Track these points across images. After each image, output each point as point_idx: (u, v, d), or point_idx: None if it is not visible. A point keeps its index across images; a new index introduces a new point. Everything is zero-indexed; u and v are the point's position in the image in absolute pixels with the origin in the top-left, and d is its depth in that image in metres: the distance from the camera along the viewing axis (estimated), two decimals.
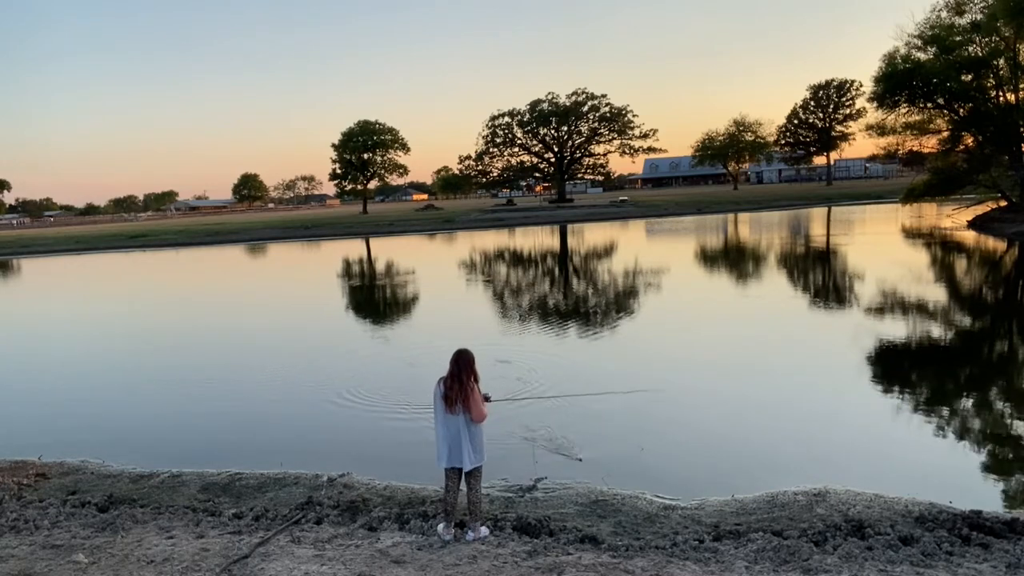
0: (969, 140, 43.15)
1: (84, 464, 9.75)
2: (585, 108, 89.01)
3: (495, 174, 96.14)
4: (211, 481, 8.74)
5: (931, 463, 8.69)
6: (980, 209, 42.39)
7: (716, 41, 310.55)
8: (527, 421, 10.34)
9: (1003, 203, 40.55)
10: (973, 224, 40.61)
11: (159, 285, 36.36)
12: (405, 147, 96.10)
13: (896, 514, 6.83)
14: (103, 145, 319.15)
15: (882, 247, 34.95)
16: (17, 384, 15.86)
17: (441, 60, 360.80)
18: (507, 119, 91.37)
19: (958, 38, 39.86)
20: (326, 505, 7.72)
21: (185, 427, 11.61)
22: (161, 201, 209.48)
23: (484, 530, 6.72)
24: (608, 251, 41.83)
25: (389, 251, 49.37)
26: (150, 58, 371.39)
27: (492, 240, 53.44)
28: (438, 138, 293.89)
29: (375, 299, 26.62)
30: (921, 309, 18.47)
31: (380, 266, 39.24)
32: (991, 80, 40.36)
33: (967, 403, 11.24)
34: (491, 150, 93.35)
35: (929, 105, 41.94)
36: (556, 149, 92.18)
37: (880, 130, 44.52)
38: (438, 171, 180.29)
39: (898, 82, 40.53)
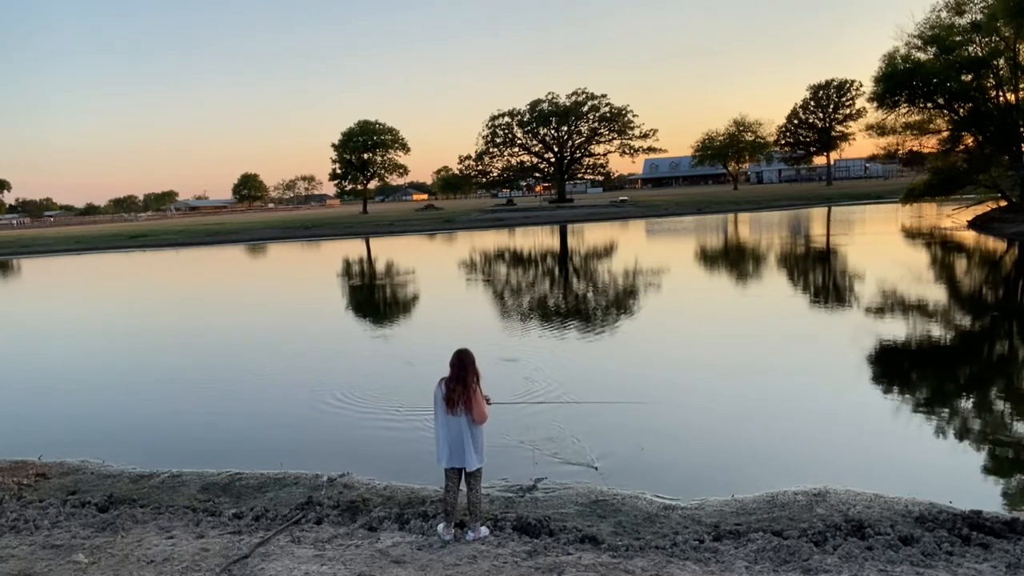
0: (969, 140, 43.15)
1: (84, 464, 9.75)
2: (585, 108, 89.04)
3: (495, 174, 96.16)
4: (211, 481, 8.74)
5: (931, 463, 8.69)
6: (980, 209, 42.39)
7: (716, 41, 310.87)
8: (527, 422, 10.34)
9: (1003, 203, 40.55)
10: (973, 224, 40.61)
11: (159, 285, 36.37)
12: (405, 147, 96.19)
13: (896, 514, 6.83)
14: (103, 145, 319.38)
15: (882, 247, 34.94)
16: (17, 384, 15.86)
17: (441, 60, 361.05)
18: (507, 119, 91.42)
19: (958, 38, 39.86)
20: (326, 505, 7.72)
21: (185, 427, 11.61)
22: (161, 201, 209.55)
23: (484, 530, 6.72)
24: (609, 251, 41.83)
25: (389, 251, 49.39)
26: (150, 58, 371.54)
27: (492, 240, 53.44)
28: (438, 138, 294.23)
29: (375, 299, 26.62)
30: (921, 309, 18.47)
31: (380, 266, 39.25)
32: (991, 80, 40.37)
33: (967, 403, 11.24)
34: (491, 150, 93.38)
35: (929, 105, 41.95)
36: (556, 149, 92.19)
37: (880, 130, 44.57)
38: (438, 171, 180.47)
39: (898, 82, 40.54)
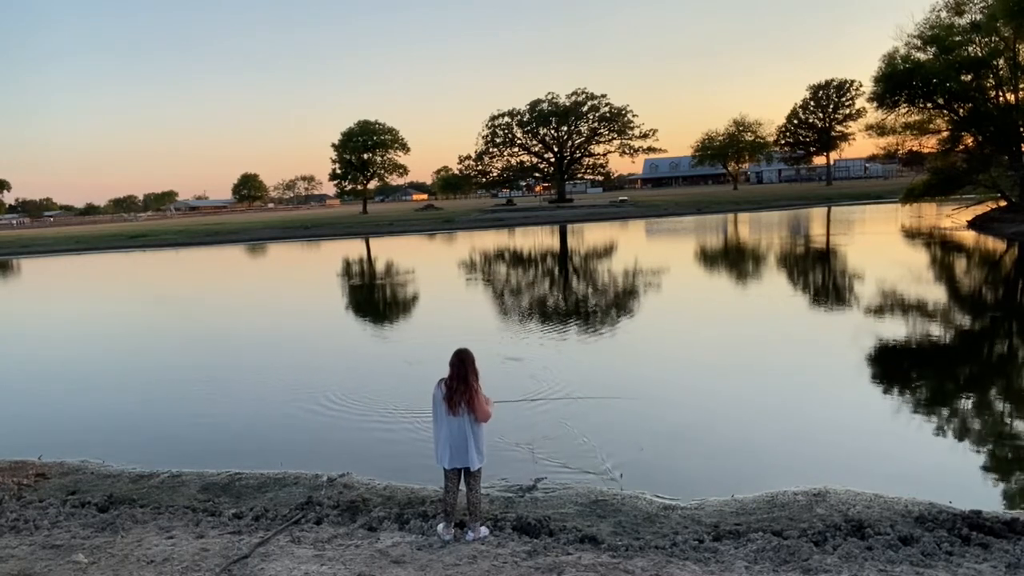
0: (969, 140, 43.16)
1: (84, 464, 9.75)
2: (585, 108, 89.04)
3: (495, 174, 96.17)
4: (211, 481, 8.74)
5: (931, 463, 8.69)
6: (980, 209, 42.39)
7: (716, 41, 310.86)
8: (527, 421, 10.34)
9: (1003, 203, 40.55)
10: (973, 224, 40.61)
11: (159, 285, 36.36)
12: (405, 147, 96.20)
13: (896, 514, 6.83)
14: (103, 145, 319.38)
15: (882, 247, 34.94)
16: (17, 384, 15.86)
17: (441, 60, 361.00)
18: (507, 119, 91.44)
19: (958, 38, 39.87)
20: (326, 505, 7.72)
21: (185, 427, 11.61)
22: (161, 201, 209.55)
23: (484, 530, 6.72)
24: (609, 251, 41.83)
25: (389, 251, 49.40)
26: (150, 58, 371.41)
27: (492, 240, 53.45)
28: (438, 138, 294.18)
29: (375, 299, 26.63)
30: (921, 309, 18.47)
31: (380, 266, 39.26)
32: (991, 80, 40.39)
33: (967, 403, 11.24)
34: (491, 150, 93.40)
35: (929, 105, 41.97)
36: (556, 149, 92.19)
37: (880, 130, 44.60)
38: (438, 171, 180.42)
39: (898, 82, 40.56)
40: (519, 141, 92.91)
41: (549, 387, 12.12)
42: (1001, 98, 40.41)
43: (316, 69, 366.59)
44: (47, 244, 68.69)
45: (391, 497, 7.91)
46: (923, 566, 5.72)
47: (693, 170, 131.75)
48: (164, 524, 7.37)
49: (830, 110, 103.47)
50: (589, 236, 52.83)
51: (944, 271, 26.60)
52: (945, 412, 10.70)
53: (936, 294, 21.16)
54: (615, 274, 29.49)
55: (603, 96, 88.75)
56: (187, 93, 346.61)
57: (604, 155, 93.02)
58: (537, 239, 53.36)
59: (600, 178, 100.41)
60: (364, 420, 11.16)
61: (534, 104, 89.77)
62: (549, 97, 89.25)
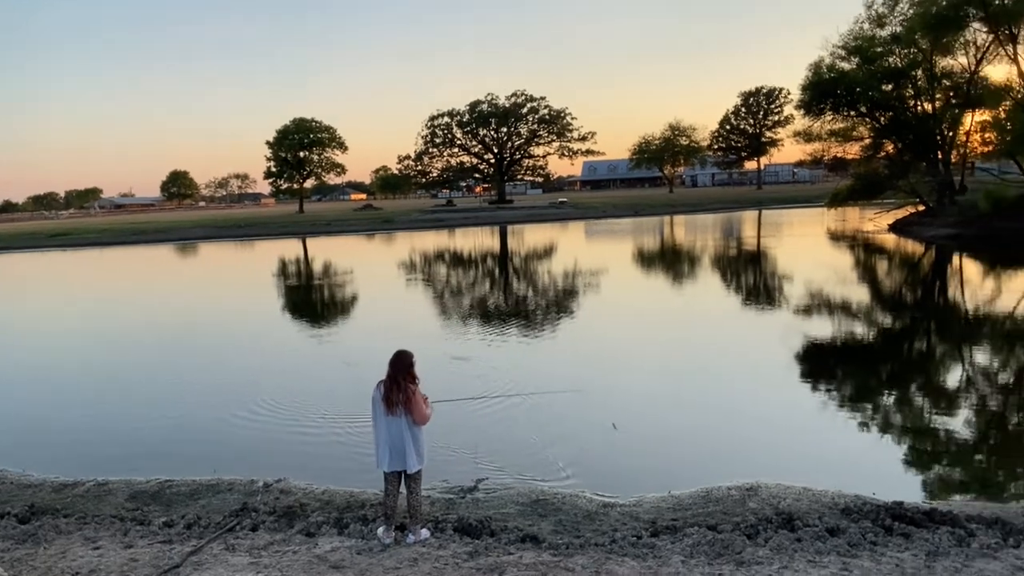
0: (890, 147, 45.29)
1: (3, 473, 9.25)
2: (524, 110, 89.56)
3: (435, 174, 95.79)
4: (140, 489, 8.43)
5: (856, 456, 9.07)
6: (900, 213, 44.50)
7: (652, 46, 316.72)
8: (470, 421, 10.33)
9: (921, 208, 42.67)
10: (893, 228, 42.57)
11: (81, 285, 34.81)
12: (342, 146, 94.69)
13: (824, 506, 7.10)
14: (21, 139, 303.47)
15: (810, 249, 36.30)
16: None
17: (380, 58, 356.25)
18: (447, 119, 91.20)
19: (879, 49, 41.78)
20: (262, 511, 7.54)
21: (110, 434, 11.15)
22: (84, 198, 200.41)
23: (425, 532, 6.68)
24: (549, 252, 42.16)
25: (327, 251, 48.57)
26: (71, 50, 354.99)
27: (433, 241, 53.19)
28: (377, 137, 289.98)
29: (312, 299, 26.14)
30: (845, 309, 19.27)
31: (318, 266, 38.58)
32: (910, 90, 42.47)
33: (889, 399, 11.78)
34: (431, 150, 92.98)
35: (852, 113, 43.83)
36: (496, 150, 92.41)
37: (807, 136, 46.35)
38: (377, 171, 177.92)
39: (823, 91, 42.22)
40: (459, 141, 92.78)
41: (493, 387, 12.13)
42: (919, 107, 42.53)
43: (250, 64, 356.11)
44: None
45: (330, 501, 7.78)
46: (849, 556, 5.96)
47: (630, 173, 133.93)
48: (90, 534, 7.07)
49: (760, 116, 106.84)
50: (530, 237, 53.13)
51: (867, 273, 27.81)
52: (869, 407, 11.18)
53: (860, 295, 22.11)
54: (556, 275, 29.74)
55: (542, 98, 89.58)
56: (113, 87, 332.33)
57: (544, 157, 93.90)
58: (478, 240, 53.37)
59: (540, 180, 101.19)
60: (301, 423, 10.95)
61: (474, 105, 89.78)
62: (489, 98, 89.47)
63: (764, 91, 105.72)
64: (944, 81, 41.43)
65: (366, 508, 7.47)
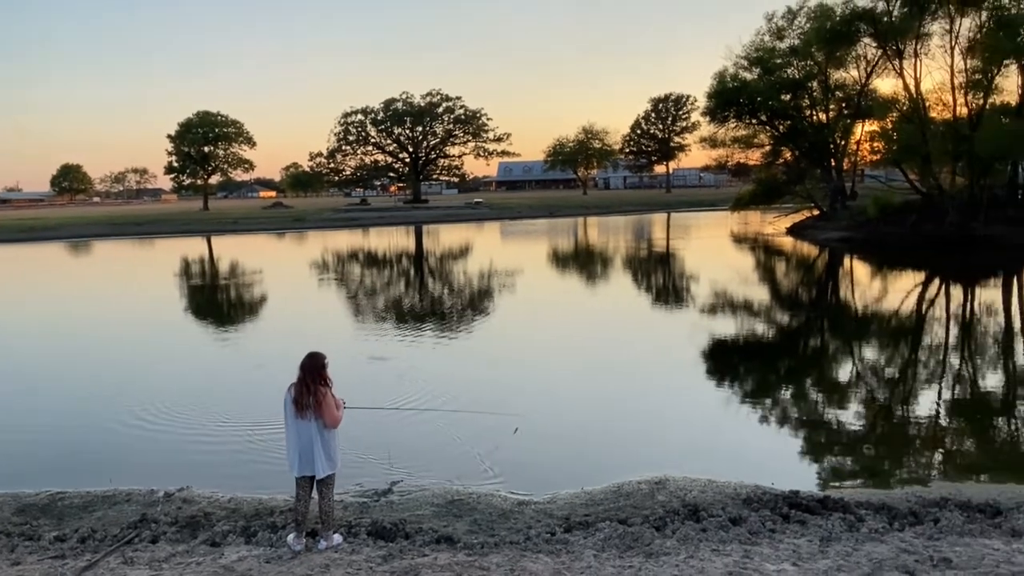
0: (788, 154, 47.68)
1: None
2: (440, 109, 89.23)
3: (348, 172, 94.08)
4: (28, 503, 7.89)
5: (757, 449, 9.52)
6: (797, 217, 46.91)
7: (567, 49, 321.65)
8: (386, 424, 10.19)
9: (816, 212, 45.14)
10: (791, 231, 44.84)
11: None
12: (250, 141, 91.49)
13: (727, 497, 7.41)
14: None
15: (715, 251, 37.79)
16: None
17: (290, 50, 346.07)
18: (360, 117, 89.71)
19: (779, 61, 43.93)
20: (163, 522, 7.20)
21: None
22: None
23: (337, 538, 6.55)
24: (464, 253, 42.14)
25: (234, 250, 46.84)
26: None
27: (346, 240, 52.20)
28: (287, 133, 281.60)
29: (217, 300, 25.17)
30: (746, 308, 20.17)
31: (224, 266, 37.15)
32: (806, 100, 44.84)
33: (786, 393, 12.42)
34: (344, 148, 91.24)
35: (754, 121, 45.87)
36: (411, 149, 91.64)
37: (712, 142, 48.13)
38: (287, 168, 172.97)
39: (727, 99, 43.99)
40: (373, 140, 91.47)
41: (412, 388, 12.02)
42: (815, 117, 44.96)
43: (149, 51, 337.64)
44: None
45: (236, 509, 7.52)
46: (750, 544, 6.25)
47: (545, 174, 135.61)
48: None
49: (669, 122, 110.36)
50: (445, 237, 52.96)
51: (767, 274, 29.22)
52: (767, 402, 11.77)
53: (760, 295, 23.19)
54: (471, 275, 29.77)
55: (458, 98, 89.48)
56: None
57: (459, 157, 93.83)
58: (393, 240, 52.77)
59: (455, 180, 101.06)
60: (206, 429, 10.52)
61: (388, 103, 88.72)
62: (404, 97, 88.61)
63: (673, 97, 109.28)
64: (837, 93, 43.98)
65: (275, 515, 7.26)
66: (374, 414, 9.58)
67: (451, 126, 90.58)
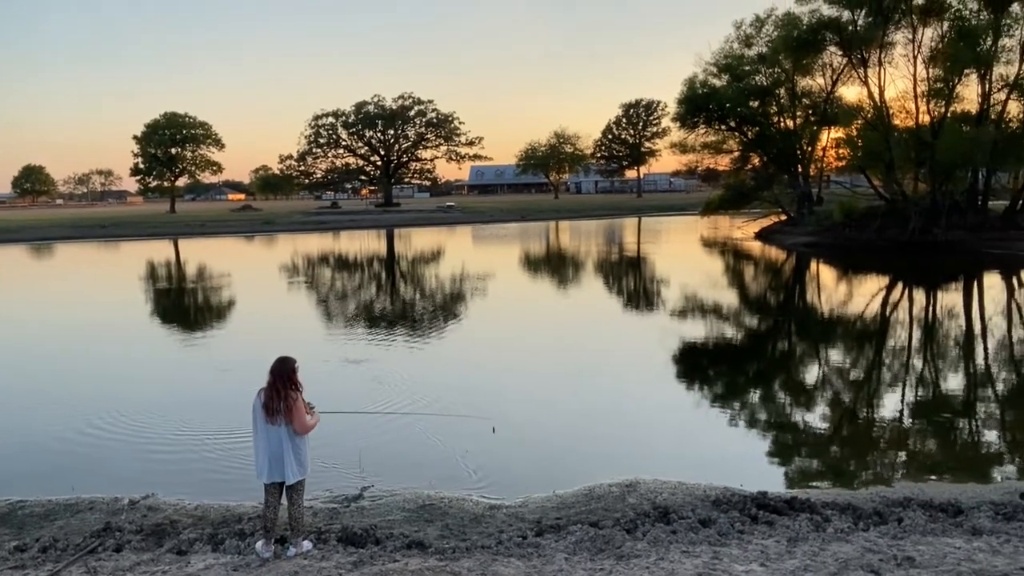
0: (756, 160, 48.39)
1: None
2: (412, 113, 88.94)
3: (319, 175, 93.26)
4: None
5: (726, 450, 9.63)
6: (765, 222, 47.62)
7: (539, 54, 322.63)
8: (355, 429, 10.11)
9: (783, 217, 45.85)
10: (759, 235, 45.48)
11: None
12: (219, 143, 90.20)
13: (696, 499, 7.48)
14: None
15: (685, 256, 38.17)
16: None
17: (260, 53, 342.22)
18: (331, 119, 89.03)
19: (747, 68, 44.58)
20: (127, 530, 7.06)
21: None
22: None
23: (307, 544, 6.48)
24: (436, 256, 42.01)
25: (201, 253, 46.11)
26: None
27: (316, 243, 51.72)
28: (257, 135, 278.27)
29: (185, 304, 24.76)
30: (716, 312, 20.40)
31: (191, 269, 36.56)
32: (774, 107, 45.54)
33: (754, 395, 12.59)
34: (314, 150, 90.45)
35: (723, 127, 46.47)
36: (382, 152, 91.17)
37: (682, 148, 48.63)
38: (256, 170, 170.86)
39: (697, 105, 44.51)
40: (344, 142, 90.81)
41: (383, 393, 11.94)
42: (783, 123, 45.69)
43: (114, 50, 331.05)
44: None
45: (203, 517, 7.40)
46: (719, 545, 6.32)
47: (517, 178, 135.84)
48: None
49: (640, 127, 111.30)
50: (417, 241, 52.76)
51: (736, 278, 29.57)
52: (736, 404, 11.91)
53: (729, 299, 23.47)
54: (443, 279, 29.68)
55: (430, 102, 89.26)
56: None
57: (431, 160, 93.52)
58: (364, 243, 52.43)
59: (427, 183, 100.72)
60: (171, 435, 10.33)
61: (360, 106, 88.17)
62: (375, 99, 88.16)
63: (644, 103, 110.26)
64: (804, 100, 44.76)
65: (243, 522, 7.16)
66: (346, 417, 9.50)
67: (423, 129, 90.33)
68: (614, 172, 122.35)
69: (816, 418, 10.92)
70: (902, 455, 9.52)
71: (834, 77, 42.93)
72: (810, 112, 44.76)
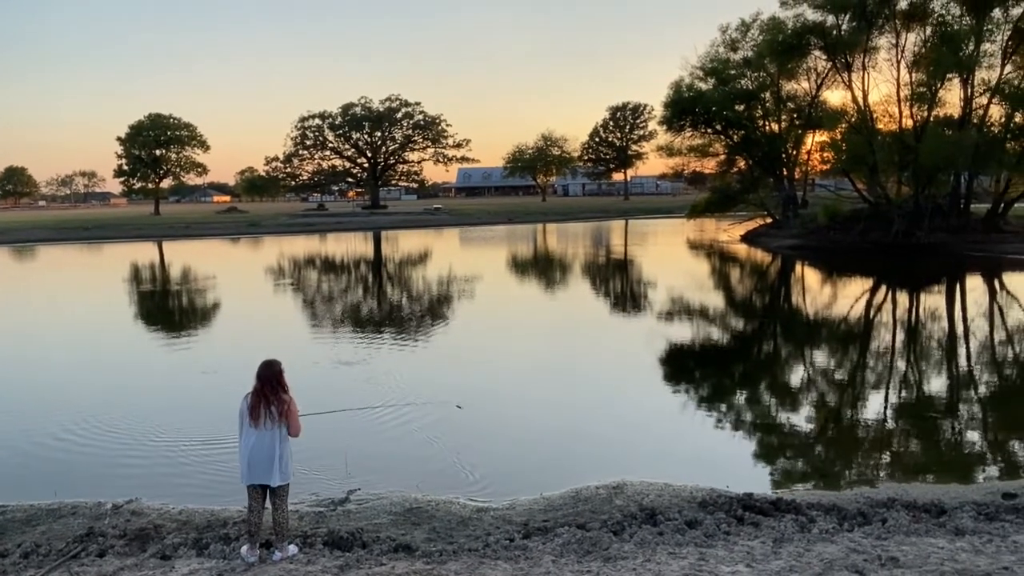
0: (742, 163, 48.68)
1: None
2: (399, 115, 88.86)
3: (305, 177, 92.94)
4: None
5: (712, 452, 9.67)
6: (751, 225, 47.92)
7: (526, 56, 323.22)
8: (341, 431, 10.07)
9: (769, 220, 46.16)
10: (745, 238, 45.76)
11: None
12: (204, 145, 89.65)
13: (683, 500, 7.51)
14: None
15: (672, 258, 38.34)
16: None
17: (245, 54, 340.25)
18: (318, 121, 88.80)
19: (733, 72, 44.87)
20: (110, 535, 6.99)
21: None
22: None
23: (292, 548, 6.44)
24: (423, 259, 41.93)
25: (186, 256, 45.77)
26: None
27: (303, 246, 51.48)
28: (242, 137, 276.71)
29: (169, 306, 24.56)
30: (702, 314, 20.50)
31: (175, 271, 36.28)
32: (760, 111, 45.84)
33: (740, 397, 12.64)
34: (301, 152, 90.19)
35: (709, 130, 46.72)
36: (369, 154, 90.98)
37: (669, 151, 48.81)
38: (242, 172, 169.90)
39: (683, 108, 44.72)
40: (331, 144, 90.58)
41: (374, 394, 11.89)
42: (768, 127, 46.00)
43: (98, 50, 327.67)
44: None
45: (188, 521, 7.34)
46: (706, 546, 6.34)
47: (505, 181, 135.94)
48: None
49: (627, 130, 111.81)
50: (404, 243, 52.65)
51: (722, 280, 29.73)
52: (722, 406, 11.96)
53: (715, 301, 23.59)
54: (430, 282, 29.63)
55: (417, 104, 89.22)
56: None
57: (418, 163, 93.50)
58: (351, 245, 52.26)
59: (415, 185, 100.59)
60: (155, 438, 10.23)
61: (347, 107, 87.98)
62: (362, 101, 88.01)
63: (631, 106, 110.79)
64: (789, 104, 45.11)
65: (228, 526, 7.10)
66: (331, 419, 9.46)
67: (410, 132, 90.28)
68: (601, 175, 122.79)
69: (801, 419, 10.99)
70: (886, 456, 9.60)
71: (819, 81, 43.35)
72: (795, 116, 45.11)
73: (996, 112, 36.86)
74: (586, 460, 9.28)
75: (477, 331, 18.89)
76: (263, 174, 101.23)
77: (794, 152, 46.73)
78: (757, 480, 8.49)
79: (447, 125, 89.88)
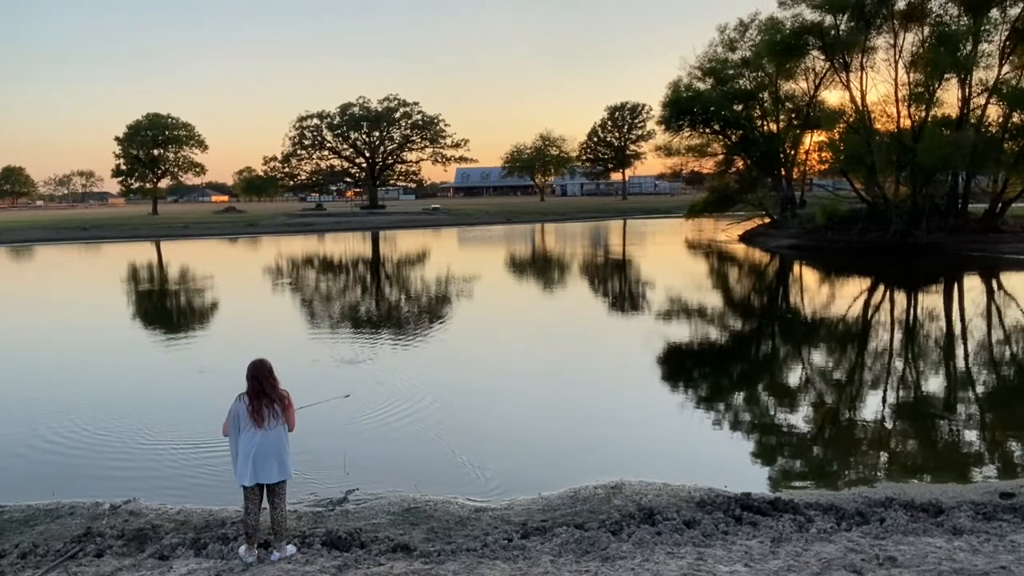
0: (740, 163, 48.74)
1: None
2: (397, 115, 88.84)
3: (303, 177, 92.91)
4: None
5: (710, 451, 9.68)
6: (749, 224, 47.95)
7: (525, 56, 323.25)
8: (338, 430, 10.07)
9: (767, 220, 46.19)
10: (743, 238, 45.79)
11: None
12: (202, 144, 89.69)
13: (681, 500, 7.51)
14: None
15: (670, 258, 38.35)
16: None
17: (244, 54, 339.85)
18: (316, 121, 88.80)
19: (731, 72, 44.90)
20: (108, 535, 6.98)
21: None
22: None
23: (291, 548, 6.44)
24: (422, 259, 41.92)
25: (184, 256, 45.72)
26: None
27: (301, 246, 51.44)
28: (240, 137, 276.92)
29: (167, 306, 24.53)
30: (701, 314, 20.50)
31: (173, 271, 36.23)
32: (758, 111, 45.89)
33: (738, 397, 12.65)
34: (299, 152, 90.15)
35: (707, 130, 46.75)
36: (368, 154, 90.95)
37: (667, 151, 48.87)
38: (240, 172, 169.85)
39: (681, 108, 44.75)
40: (329, 144, 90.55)
41: (369, 395, 11.88)
42: (766, 127, 46.04)
43: (96, 50, 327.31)
44: None
45: (186, 521, 7.33)
46: (704, 546, 6.35)
47: (503, 181, 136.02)
48: None
49: (625, 130, 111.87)
50: (403, 243, 52.63)
51: (720, 280, 29.74)
52: (721, 405, 11.97)
53: (713, 301, 23.60)
54: (428, 282, 29.62)
55: (415, 104, 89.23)
56: None
57: (417, 163, 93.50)
58: (349, 245, 52.23)
59: (413, 185, 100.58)
60: (154, 438, 10.23)
61: (345, 107, 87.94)
62: (360, 101, 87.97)
63: (629, 106, 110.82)
64: (787, 104, 45.15)
65: (227, 527, 7.10)
66: (331, 418, 9.45)
67: (408, 131, 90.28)
68: (599, 175, 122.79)
69: (799, 419, 11.00)
70: (884, 456, 9.61)
71: (817, 81, 43.39)
72: (793, 116, 45.16)
73: (994, 112, 36.97)
74: (584, 460, 9.28)
75: (474, 331, 18.89)
76: (261, 174, 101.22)
77: (792, 152, 46.77)
78: (755, 480, 8.49)
79: (445, 125, 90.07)
